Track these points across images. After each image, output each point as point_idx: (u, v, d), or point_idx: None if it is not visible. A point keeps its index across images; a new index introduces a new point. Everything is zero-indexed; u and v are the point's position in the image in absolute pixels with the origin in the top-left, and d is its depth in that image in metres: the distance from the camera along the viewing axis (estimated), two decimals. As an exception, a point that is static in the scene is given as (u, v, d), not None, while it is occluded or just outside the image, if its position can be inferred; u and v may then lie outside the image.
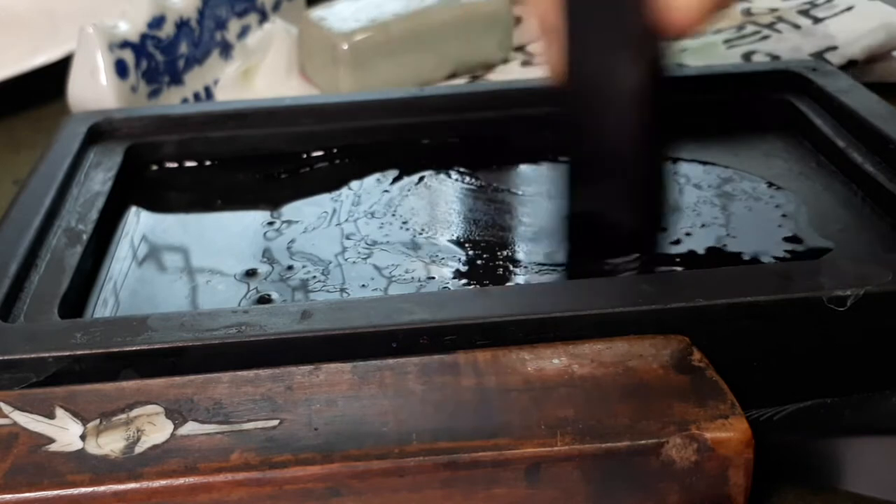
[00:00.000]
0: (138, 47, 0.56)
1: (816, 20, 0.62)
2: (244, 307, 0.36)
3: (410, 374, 0.30)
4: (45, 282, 0.37)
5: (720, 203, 0.43)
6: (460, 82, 0.61)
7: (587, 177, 0.37)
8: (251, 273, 0.40)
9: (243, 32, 0.62)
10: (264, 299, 0.38)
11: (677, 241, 0.40)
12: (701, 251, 0.39)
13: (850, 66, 0.57)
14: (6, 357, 0.31)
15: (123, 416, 0.29)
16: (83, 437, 0.28)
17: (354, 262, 0.40)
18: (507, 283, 0.38)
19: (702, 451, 0.27)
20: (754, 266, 0.38)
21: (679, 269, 0.38)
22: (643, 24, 0.33)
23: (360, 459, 0.27)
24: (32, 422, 0.29)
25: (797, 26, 0.62)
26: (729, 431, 0.28)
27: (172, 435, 0.28)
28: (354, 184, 0.46)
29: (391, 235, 0.42)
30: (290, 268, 0.40)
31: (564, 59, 0.35)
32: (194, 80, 0.59)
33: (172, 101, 0.58)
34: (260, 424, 0.28)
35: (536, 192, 0.45)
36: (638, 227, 0.38)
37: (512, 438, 0.27)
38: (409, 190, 0.46)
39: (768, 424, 0.33)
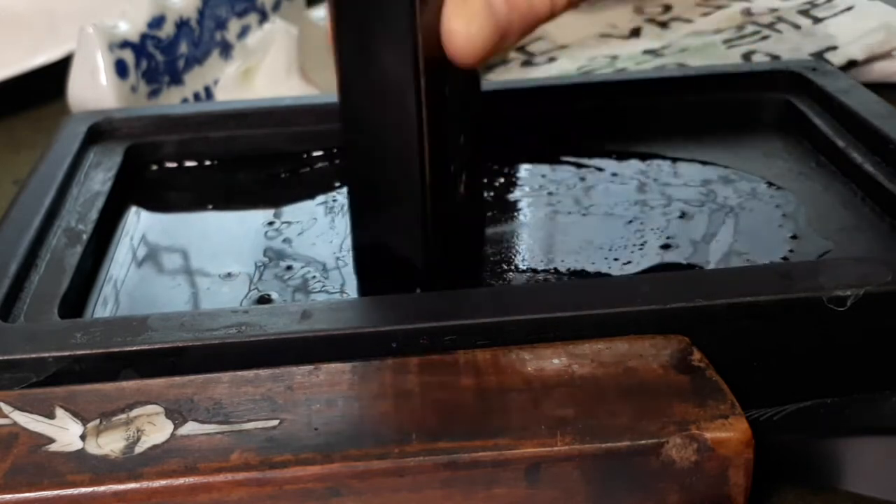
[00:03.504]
0: (138, 47, 0.56)
1: (816, 20, 0.62)
2: (244, 307, 0.36)
3: (410, 374, 0.30)
4: (45, 282, 0.37)
5: (720, 203, 0.43)
6: (460, 82, 0.61)
7: (369, 210, 0.35)
8: (251, 273, 0.40)
9: (243, 32, 0.62)
10: (264, 299, 0.38)
11: (679, 242, 0.40)
12: (701, 251, 0.39)
13: (850, 66, 0.57)
14: (6, 357, 0.31)
15: (123, 416, 0.29)
16: (83, 437, 0.28)
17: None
18: (508, 284, 0.38)
19: (702, 451, 0.27)
20: (754, 266, 0.38)
21: (679, 268, 0.38)
22: (420, 48, 0.31)
23: (360, 459, 0.27)
24: (32, 422, 0.29)
25: (797, 26, 0.62)
26: (729, 431, 0.28)
27: (172, 435, 0.28)
28: (354, 184, 0.46)
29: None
30: (289, 268, 0.40)
31: (340, 78, 0.33)
32: (194, 80, 0.59)
33: (172, 101, 0.58)
34: (260, 424, 0.28)
35: (536, 191, 0.45)
36: (420, 263, 0.35)
37: (512, 438, 0.27)
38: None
39: (768, 424, 0.33)
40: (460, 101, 0.36)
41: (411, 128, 0.33)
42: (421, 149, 0.33)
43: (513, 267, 0.39)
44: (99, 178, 0.45)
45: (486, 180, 0.46)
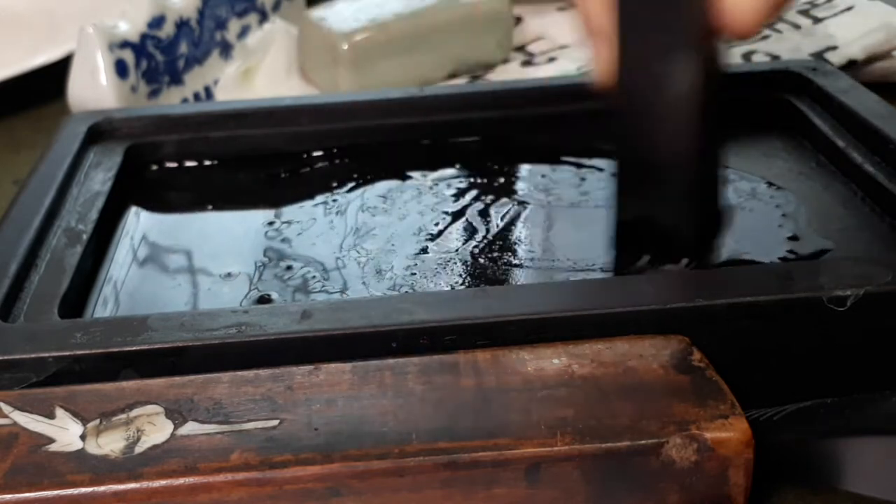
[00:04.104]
0: (138, 47, 0.56)
1: (816, 20, 0.62)
2: (244, 307, 0.36)
3: (410, 374, 0.30)
4: (45, 282, 0.37)
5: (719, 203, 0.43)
6: (460, 82, 0.61)
7: (639, 183, 0.36)
8: (251, 273, 0.40)
9: (243, 32, 0.62)
10: (264, 299, 0.38)
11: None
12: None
13: (850, 66, 0.57)
14: (6, 357, 0.31)
15: (123, 416, 0.29)
16: (83, 437, 0.28)
17: (354, 262, 0.40)
18: (508, 284, 0.38)
19: (702, 451, 0.27)
20: (754, 266, 0.38)
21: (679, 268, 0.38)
22: (701, 25, 0.32)
23: (360, 459, 0.27)
24: (32, 422, 0.29)
25: (797, 26, 0.62)
26: (729, 431, 0.28)
27: (172, 435, 0.28)
28: (354, 184, 0.46)
29: (391, 235, 0.42)
30: (289, 268, 0.40)
31: (615, 62, 0.34)
32: (194, 80, 0.59)
33: (172, 101, 0.58)
34: (260, 424, 0.28)
35: (537, 192, 0.45)
36: (690, 234, 0.37)
37: (512, 438, 0.27)
38: (409, 190, 0.46)
39: (768, 424, 0.33)
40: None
41: (690, 103, 0.34)
42: (698, 124, 0.35)
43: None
44: (99, 178, 0.45)
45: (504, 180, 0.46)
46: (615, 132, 0.37)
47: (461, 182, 0.46)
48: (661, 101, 0.34)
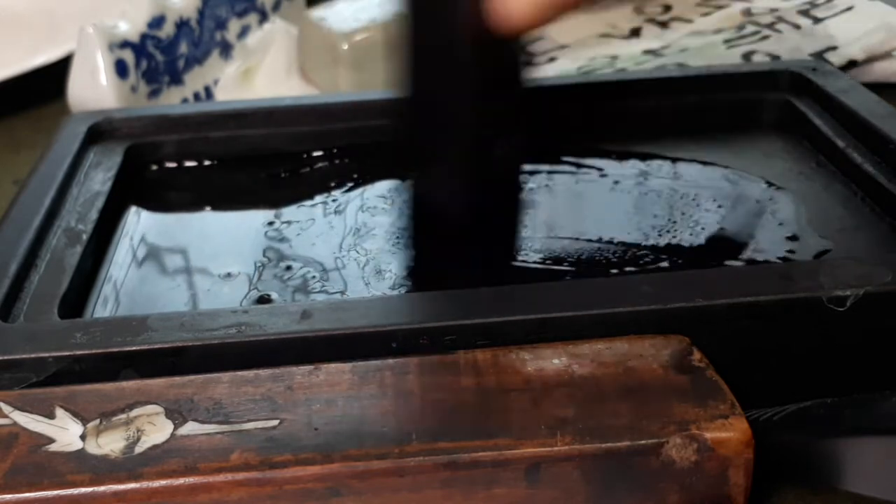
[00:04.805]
0: (138, 47, 0.56)
1: (816, 20, 0.62)
2: (244, 307, 0.36)
3: (410, 374, 0.30)
4: (45, 282, 0.37)
5: (720, 203, 0.43)
6: (460, 82, 0.61)
7: (421, 164, 0.38)
8: (251, 273, 0.40)
9: (243, 32, 0.62)
10: (264, 299, 0.38)
11: (678, 241, 0.40)
12: (701, 251, 0.39)
13: (850, 66, 0.57)
14: (6, 357, 0.31)
15: (123, 416, 0.29)
16: (83, 437, 0.28)
17: (355, 262, 0.40)
18: (507, 284, 0.38)
19: (702, 451, 0.28)
20: (754, 266, 0.38)
21: (680, 268, 0.38)
22: (470, 19, 0.33)
23: (360, 459, 0.27)
24: (32, 422, 0.29)
25: (797, 26, 0.62)
26: (729, 431, 0.28)
27: (172, 435, 0.28)
28: (354, 184, 0.46)
29: (391, 235, 0.42)
30: (289, 268, 0.40)
31: (403, 48, 0.36)
32: (194, 80, 0.59)
33: (172, 101, 0.58)
34: (260, 424, 0.28)
35: (537, 191, 0.45)
36: (456, 212, 0.38)
37: (512, 438, 0.27)
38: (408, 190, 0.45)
39: (768, 424, 0.33)
40: (506, 73, 0.37)
41: (457, 86, 0.35)
42: (476, 115, 0.36)
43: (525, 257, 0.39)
44: (99, 178, 0.45)
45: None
46: (405, 111, 0.38)
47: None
48: (433, 86, 0.36)
